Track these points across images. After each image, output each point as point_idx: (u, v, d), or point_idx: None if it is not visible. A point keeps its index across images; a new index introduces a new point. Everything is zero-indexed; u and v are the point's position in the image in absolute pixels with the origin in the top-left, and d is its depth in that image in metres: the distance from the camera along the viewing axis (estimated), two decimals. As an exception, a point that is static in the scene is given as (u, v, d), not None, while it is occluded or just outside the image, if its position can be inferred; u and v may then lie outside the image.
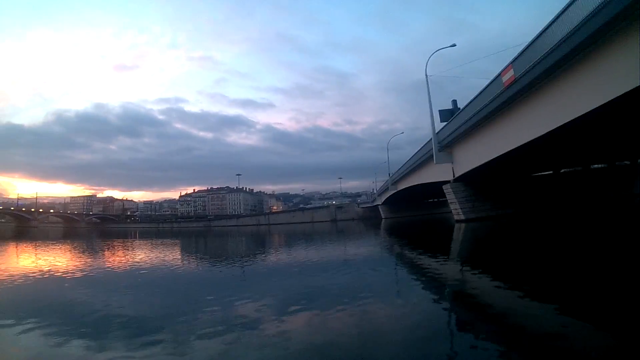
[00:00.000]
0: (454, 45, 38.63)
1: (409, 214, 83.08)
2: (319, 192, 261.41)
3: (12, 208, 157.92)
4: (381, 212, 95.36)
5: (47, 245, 33.79)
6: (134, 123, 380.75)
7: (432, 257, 15.28)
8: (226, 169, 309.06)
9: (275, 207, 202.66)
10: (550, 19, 17.80)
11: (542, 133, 21.25)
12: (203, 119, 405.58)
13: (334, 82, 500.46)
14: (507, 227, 27.24)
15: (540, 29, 18.75)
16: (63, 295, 10.36)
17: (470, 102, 28.83)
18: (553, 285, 8.41)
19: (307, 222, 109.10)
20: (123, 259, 20.97)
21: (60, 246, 32.99)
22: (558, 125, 19.67)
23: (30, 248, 31.89)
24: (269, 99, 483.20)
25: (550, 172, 43.88)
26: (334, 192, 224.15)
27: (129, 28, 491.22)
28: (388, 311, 7.29)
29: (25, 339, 6.38)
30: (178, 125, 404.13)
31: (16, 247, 33.54)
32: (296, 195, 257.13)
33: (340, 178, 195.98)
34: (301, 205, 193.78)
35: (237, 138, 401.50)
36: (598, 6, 14.58)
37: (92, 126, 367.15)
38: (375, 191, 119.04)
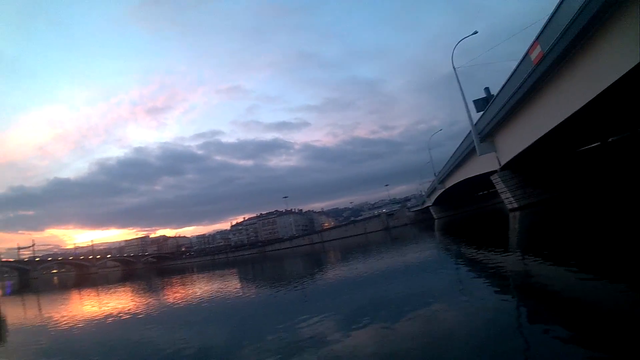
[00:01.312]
0: (476, 32, 38.10)
1: (461, 211, 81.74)
2: (368, 203, 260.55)
3: (70, 257, 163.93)
4: (433, 213, 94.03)
5: (108, 289, 34.84)
6: (174, 162, 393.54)
7: (491, 251, 14.94)
8: (272, 193, 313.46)
9: (326, 224, 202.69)
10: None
11: (583, 104, 20.51)
12: (241, 148, 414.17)
13: (363, 90, 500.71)
14: (562, 210, 26.33)
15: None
16: (128, 336, 10.62)
17: (503, 86, 28.25)
18: (617, 265, 8.07)
19: (361, 234, 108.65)
20: (183, 294, 21.35)
21: (120, 289, 33.96)
22: (598, 92, 18.88)
23: (93, 293, 32.98)
24: (303, 118, 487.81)
25: (598, 143, 42.21)
26: (383, 200, 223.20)
27: (155, 72, 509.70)
28: (454, 313, 7.16)
29: None
30: (218, 158, 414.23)
31: (79, 294, 34.83)
32: (345, 209, 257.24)
33: (387, 185, 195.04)
34: (352, 218, 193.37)
35: (277, 161, 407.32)
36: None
37: (134, 171, 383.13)
38: (423, 193, 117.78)
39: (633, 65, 15.99)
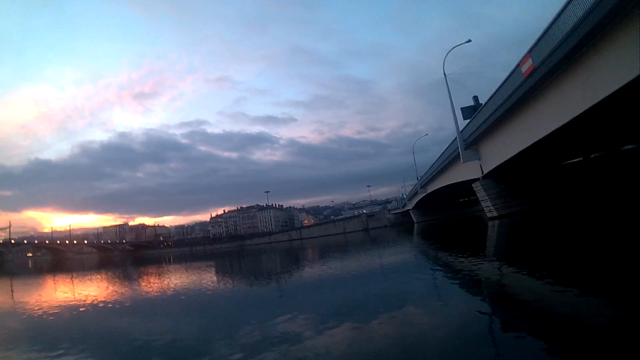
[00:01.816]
0: (470, 40, 38.31)
1: (441, 216, 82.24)
2: (349, 202, 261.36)
3: (47, 241, 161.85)
4: (413, 217, 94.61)
5: (83, 276, 34.40)
6: (158, 149, 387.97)
7: (468, 257, 15.01)
8: (254, 187, 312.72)
9: (306, 221, 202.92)
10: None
11: (568, 120, 20.80)
12: (226, 139, 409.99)
13: (353, 90, 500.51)
14: (541, 221, 26.60)
15: (555, 14, 18.44)
16: (100, 325, 10.43)
17: (492, 96, 28.46)
18: (593, 279, 8.15)
19: (340, 234, 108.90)
20: (159, 284, 21.13)
21: (95, 276, 33.54)
22: (583, 110, 19.20)
23: (67, 279, 32.52)
24: (290, 113, 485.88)
25: (581, 158, 42.80)
26: (364, 200, 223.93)
27: (145, 56, 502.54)
28: (428, 317, 7.16)
29: None
30: (202, 148, 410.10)
31: (53, 279, 34.27)
32: (326, 208, 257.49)
33: (369, 186, 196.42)
34: (332, 217, 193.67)
35: (262, 155, 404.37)
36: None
37: (117, 155, 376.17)
38: (405, 196, 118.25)
39: (619, 87, 16.28)
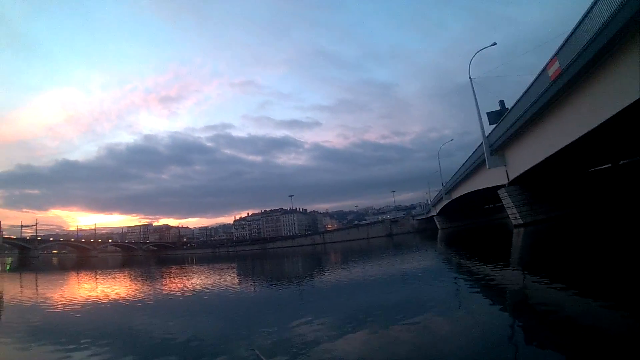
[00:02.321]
0: (495, 44, 37.81)
1: (465, 223, 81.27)
2: (373, 207, 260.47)
3: (72, 240, 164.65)
4: (437, 223, 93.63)
5: (107, 274, 35.00)
6: (183, 152, 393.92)
7: (492, 265, 14.73)
8: (278, 191, 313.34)
9: (329, 226, 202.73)
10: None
11: (597, 124, 20.25)
12: (251, 143, 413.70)
13: (377, 93, 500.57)
14: (567, 229, 26.06)
15: (582, 14, 18.00)
16: (121, 322, 10.52)
17: (518, 100, 27.98)
18: (617, 289, 7.89)
19: (363, 239, 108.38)
20: (181, 284, 21.29)
21: (119, 274, 34.07)
22: (613, 113, 18.61)
23: (91, 277, 33.07)
24: (314, 117, 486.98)
25: (609, 165, 41.80)
26: (388, 206, 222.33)
27: (171, 61, 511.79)
28: (449, 325, 7.04)
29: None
30: (227, 151, 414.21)
31: (77, 276, 34.88)
32: (350, 212, 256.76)
33: (393, 191, 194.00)
34: (355, 222, 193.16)
35: (286, 159, 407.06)
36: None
37: (143, 158, 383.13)
38: (429, 202, 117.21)
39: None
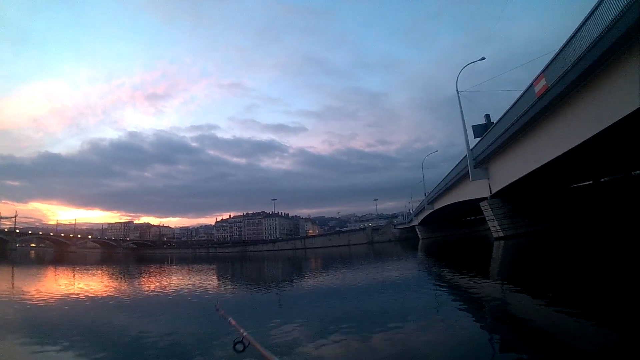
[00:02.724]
0: (484, 58, 38.18)
1: (446, 234, 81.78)
2: (355, 215, 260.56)
3: (51, 234, 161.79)
4: (418, 233, 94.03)
5: (85, 270, 34.56)
6: (168, 151, 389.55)
7: (471, 277, 14.84)
8: (261, 194, 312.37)
9: (311, 231, 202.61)
10: (580, 19, 17.36)
11: (580, 142, 20.56)
12: (236, 145, 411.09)
13: (365, 102, 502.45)
14: (547, 243, 26.40)
15: (570, 33, 18.33)
16: (95, 318, 10.40)
17: (504, 115, 28.31)
18: (594, 302, 8.03)
19: (344, 245, 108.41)
20: (159, 284, 21.08)
21: (97, 271, 33.65)
22: (596, 132, 18.96)
23: (69, 272, 32.53)
24: (301, 122, 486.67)
25: (590, 182, 42.45)
26: (370, 214, 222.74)
27: (160, 59, 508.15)
28: (428, 334, 7.07)
29: (64, 357, 6.45)
30: (211, 152, 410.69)
31: (55, 271, 34.37)
32: (332, 219, 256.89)
33: (376, 200, 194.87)
34: (337, 228, 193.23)
35: (270, 163, 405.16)
36: (626, 5, 14.21)
37: (126, 154, 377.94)
38: (411, 211, 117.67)
39: (632, 110, 16.06)
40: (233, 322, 1.54)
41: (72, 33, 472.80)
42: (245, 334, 1.58)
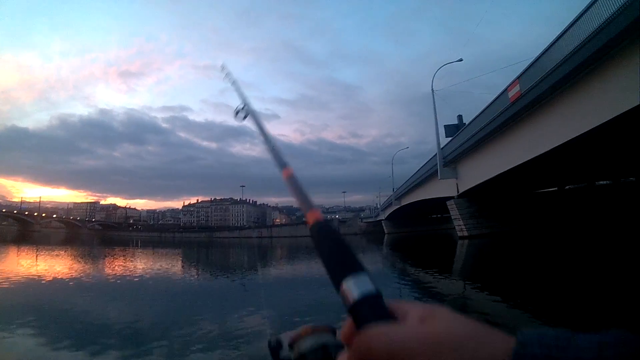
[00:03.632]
0: (461, 60, 38.73)
1: (412, 230, 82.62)
2: (323, 206, 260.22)
3: (15, 211, 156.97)
4: (384, 227, 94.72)
5: (49, 250, 33.68)
6: (138, 130, 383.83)
7: (434, 273, 15.11)
8: (230, 180, 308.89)
9: (278, 220, 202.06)
10: (559, 31, 17.79)
11: (547, 149, 21.10)
12: (207, 129, 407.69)
13: (339, 94, 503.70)
14: (509, 244, 26.98)
15: (548, 43, 18.76)
16: (56, 300, 10.24)
17: (476, 117, 28.74)
18: (547, 300, 8.33)
19: (310, 236, 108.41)
20: (124, 267, 20.82)
21: (61, 251, 32.94)
22: (563, 141, 19.53)
23: (32, 252, 31.76)
24: (274, 110, 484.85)
25: (555, 188, 43.53)
26: (338, 206, 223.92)
27: (136, 35, 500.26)
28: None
29: (20, 340, 6.37)
30: (182, 134, 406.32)
31: (17, 251, 33.48)
32: (299, 209, 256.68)
33: (344, 192, 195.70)
34: (304, 219, 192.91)
35: (241, 149, 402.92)
36: (604, 21, 14.64)
37: (96, 132, 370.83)
38: (379, 206, 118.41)
39: (596, 125, 16.68)
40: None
41: (44, 2, 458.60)
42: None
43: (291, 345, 0.76)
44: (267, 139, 1.05)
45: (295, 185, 0.77)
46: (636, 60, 13.95)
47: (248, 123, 1.33)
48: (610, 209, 40.26)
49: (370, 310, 0.44)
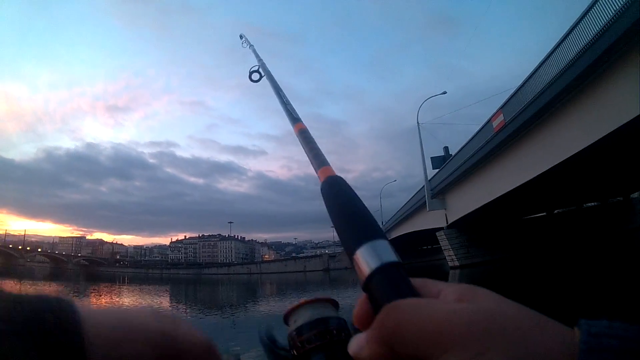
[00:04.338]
0: (445, 92, 39.44)
1: (403, 262, 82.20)
2: (312, 241, 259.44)
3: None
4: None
5: (32, 286, 32.90)
6: (124, 165, 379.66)
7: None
8: (218, 216, 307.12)
9: (267, 256, 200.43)
10: (539, 60, 18.25)
11: (534, 176, 21.30)
12: (194, 165, 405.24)
13: (325, 129, 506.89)
14: (500, 272, 26.91)
15: (529, 73, 19.19)
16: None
17: (462, 148, 29.01)
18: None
19: (300, 271, 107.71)
20: (110, 304, 20.31)
21: (45, 287, 32.12)
22: (549, 167, 19.77)
23: (15, 287, 30.90)
24: (261, 146, 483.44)
25: (544, 213, 43.77)
26: (327, 240, 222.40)
27: (124, 70, 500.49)
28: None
29: None
30: (169, 170, 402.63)
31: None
32: (288, 244, 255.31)
33: (333, 227, 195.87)
34: (293, 254, 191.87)
35: (228, 185, 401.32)
36: (578, 53, 15.19)
37: (82, 166, 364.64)
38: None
39: (579, 149, 17.00)
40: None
41: (34, 34, 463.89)
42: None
43: (286, 319, 0.71)
44: (281, 96, 1.04)
45: (307, 139, 0.80)
46: (614, 86, 14.31)
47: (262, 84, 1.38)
48: (599, 230, 40.56)
49: (391, 283, 0.38)
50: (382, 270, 0.40)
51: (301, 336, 0.66)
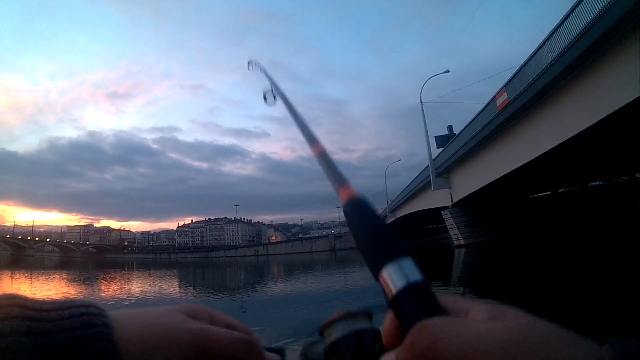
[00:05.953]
0: (448, 71, 39.12)
1: (408, 241, 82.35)
2: (318, 222, 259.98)
3: (8, 236, 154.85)
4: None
5: (43, 275, 33.41)
6: (128, 152, 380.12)
7: (432, 283, 15.05)
8: (223, 200, 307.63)
9: (273, 238, 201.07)
10: (543, 37, 18.06)
11: (538, 154, 21.23)
12: (197, 149, 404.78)
13: (328, 109, 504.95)
14: (505, 251, 27.02)
15: (533, 50, 19.00)
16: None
17: (466, 127, 28.92)
18: (552, 305, 8.27)
19: (306, 252, 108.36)
20: (121, 290, 20.62)
21: (56, 276, 32.64)
22: (553, 145, 19.68)
23: (26, 277, 31.43)
24: (263, 127, 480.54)
25: (549, 192, 43.75)
26: (333, 221, 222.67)
27: (123, 57, 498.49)
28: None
29: None
30: (172, 155, 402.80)
31: (11, 276, 33.11)
32: (295, 225, 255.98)
33: (339, 207, 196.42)
34: (300, 235, 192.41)
35: (232, 168, 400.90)
36: (584, 28, 14.93)
37: (86, 155, 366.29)
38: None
39: (584, 128, 16.91)
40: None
41: (32, 25, 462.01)
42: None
43: (322, 332, 0.74)
44: (297, 118, 1.06)
45: (326, 161, 0.76)
46: (628, 58, 14.14)
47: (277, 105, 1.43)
48: (604, 209, 40.56)
49: (419, 302, 0.38)
50: (410, 289, 0.40)
51: (336, 351, 0.71)
